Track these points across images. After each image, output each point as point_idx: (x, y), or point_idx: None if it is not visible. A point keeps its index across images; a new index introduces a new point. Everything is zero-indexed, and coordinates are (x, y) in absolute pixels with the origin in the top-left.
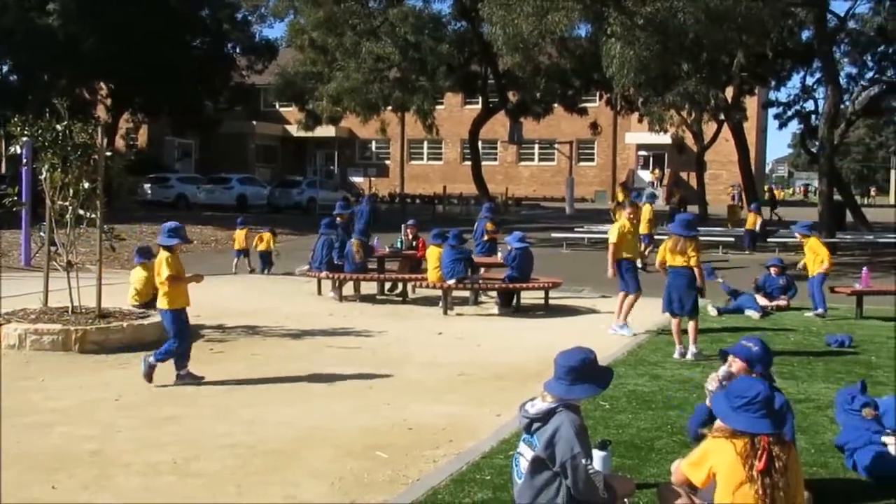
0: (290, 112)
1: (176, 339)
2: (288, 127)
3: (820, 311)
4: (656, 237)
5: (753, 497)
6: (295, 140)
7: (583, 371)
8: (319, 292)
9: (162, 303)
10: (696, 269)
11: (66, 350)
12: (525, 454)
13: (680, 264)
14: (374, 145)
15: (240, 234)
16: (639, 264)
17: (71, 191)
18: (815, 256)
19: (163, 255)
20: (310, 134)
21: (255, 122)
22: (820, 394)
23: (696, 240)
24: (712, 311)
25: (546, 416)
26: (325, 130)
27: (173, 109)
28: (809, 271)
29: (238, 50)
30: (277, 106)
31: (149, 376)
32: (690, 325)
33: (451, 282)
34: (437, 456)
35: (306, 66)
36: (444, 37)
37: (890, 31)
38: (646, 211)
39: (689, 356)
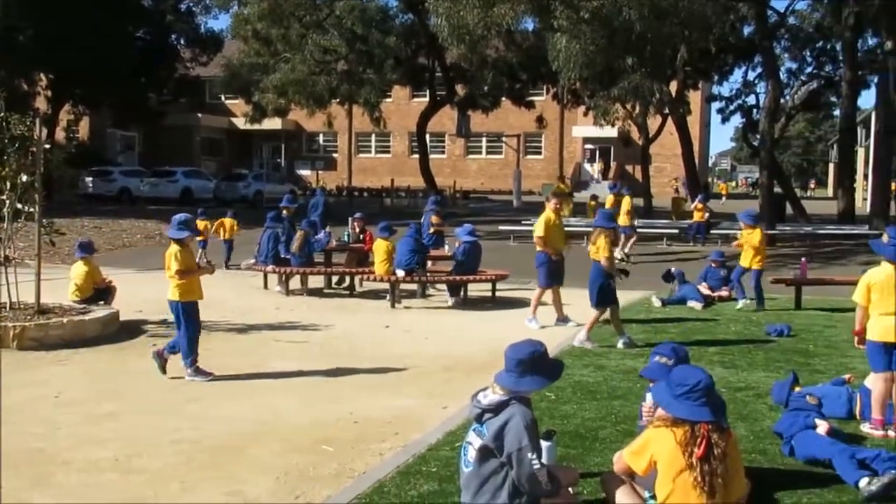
0: (237, 104)
1: (188, 330)
2: (234, 119)
3: (749, 302)
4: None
5: (692, 484)
6: (241, 133)
7: (532, 363)
8: (266, 286)
9: (174, 294)
10: (602, 261)
11: (4, 347)
12: (474, 443)
13: (594, 256)
14: (321, 138)
15: (200, 225)
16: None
17: (8, 184)
18: (756, 250)
19: (173, 248)
20: (256, 127)
21: (200, 115)
22: (760, 382)
23: (610, 232)
24: (656, 303)
25: (498, 408)
26: (272, 123)
27: (115, 101)
28: (745, 262)
29: (182, 41)
30: (223, 98)
31: (163, 368)
32: (593, 314)
33: (400, 274)
34: (384, 449)
35: (251, 57)
36: (391, 29)
37: (828, 27)
38: (625, 203)
39: (576, 341)
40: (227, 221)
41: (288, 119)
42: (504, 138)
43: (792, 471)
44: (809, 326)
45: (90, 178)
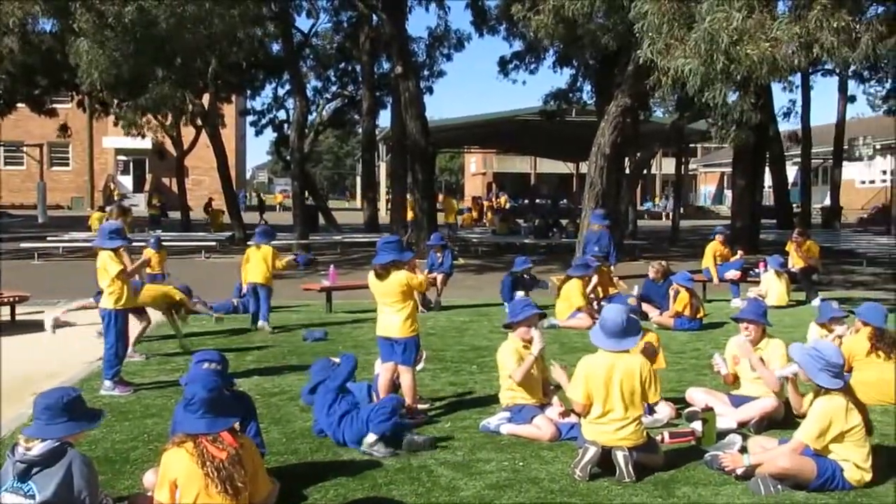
0: None
1: (117, 339)
2: None
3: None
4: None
5: (216, 494)
6: None
7: (64, 408)
8: None
9: (107, 302)
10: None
11: None
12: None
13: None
14: None
15: None
16: None
17: None
18: (263, 265)
19: (104, 255)
20: None
21: None
22: (292, 385)
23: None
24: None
25: (54, 457)
26: None
27: None
28: (254, 277)
29: None
30: None
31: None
32: None
33: None
34: None
35: None
36: None
37: (349, 49)
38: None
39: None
40: None
41: None
42: (25, 148)
43: (321, 465)
44: (340, 329)
45: None
